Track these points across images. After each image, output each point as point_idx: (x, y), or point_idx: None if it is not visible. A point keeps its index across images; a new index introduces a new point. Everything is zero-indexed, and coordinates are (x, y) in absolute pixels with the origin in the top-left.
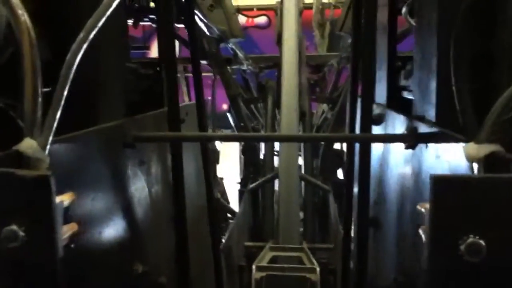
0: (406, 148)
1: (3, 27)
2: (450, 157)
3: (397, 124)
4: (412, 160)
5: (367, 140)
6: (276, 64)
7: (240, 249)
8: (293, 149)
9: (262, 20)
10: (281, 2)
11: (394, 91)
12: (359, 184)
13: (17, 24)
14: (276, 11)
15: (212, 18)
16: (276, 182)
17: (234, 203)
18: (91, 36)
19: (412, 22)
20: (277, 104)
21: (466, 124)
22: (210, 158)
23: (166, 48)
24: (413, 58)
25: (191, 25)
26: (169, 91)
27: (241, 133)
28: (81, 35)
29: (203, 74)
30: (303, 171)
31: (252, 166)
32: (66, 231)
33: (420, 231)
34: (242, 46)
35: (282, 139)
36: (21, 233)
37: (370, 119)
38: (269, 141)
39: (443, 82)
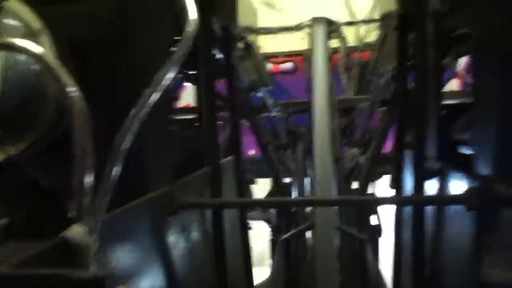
0: (469, 210)
1: (53, 106)
2: None
3: (453, 180)
4: (475, 223)
5: (420, 202)
6: (305, 109)
7: None
8: (328, 182)
9: (288, 65)
10: (310, 50)
11: (445, 143)
12: (413, 252)
13: (70, 104)
14: (305, 58)
15: (241, 69)
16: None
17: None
18: (144, 112)
19: (457, 71)
20: (308, 150)
21: None
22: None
23: (207, 109)
24: (473, 109)
25: (231, 80)
26: (210, 155)
27: (284, 198)
28: (135, 110)
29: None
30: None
31: (283, 213)
32: None
33: None
34: (271, 92)
35: (327, 203)
36: None
37: (423, 178)
38: (317, 205)
39: None
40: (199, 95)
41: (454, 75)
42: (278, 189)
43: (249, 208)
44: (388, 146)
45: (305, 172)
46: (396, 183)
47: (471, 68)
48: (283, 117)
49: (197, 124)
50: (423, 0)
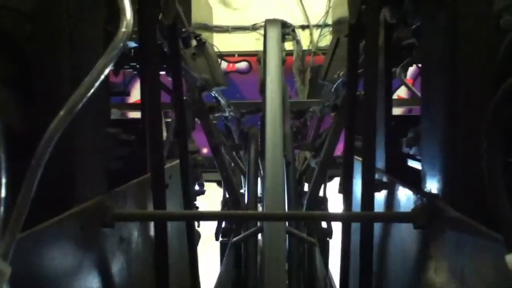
0: (416, 228)
1: None
2: (476, 254)
3: (401, 195)
4: (421, 240)
5: (368, 219)
6: (258, 110)
7: None
8: (280, 202)
9: (243, 65)
10: (264, 51)
11: (394, 156)
12: (360, 266)
13: None
14: (259, 60)
15: (194, 66)
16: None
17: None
18: (73, 114)
19: (406, 82)
20: (260, 152)
21: (503, 221)
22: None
23: (151, 108)
24: (421, 126)
25: (177, 77)
26: (153, 159)
27: (232, 212)
28: (62, 113)
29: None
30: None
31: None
32: None
33: None
34: (224, 91)
35: (276, 218)
36: None
37: (372, 193)
38: (266, 220)
39: (465, 159)
40: (143, 92)
41: (402, 83)
42: (230, 191)
43: (195, 220)
44: (340, 149)
45: (257, 173)
46: (345, 192)
47: (420, 80)
48: (235, 117)
49: (140, 124)
50: (374, 11)
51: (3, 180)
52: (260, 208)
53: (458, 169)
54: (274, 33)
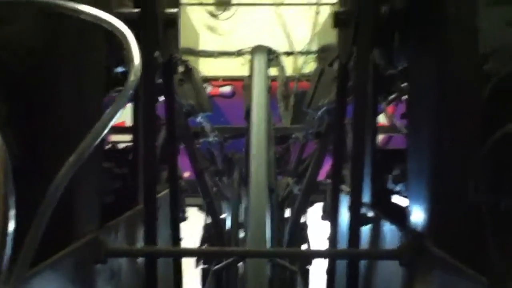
0: (402, 265)
1: None
2: None
3: (386, 231)
4: (407, 277)
5: (354, 256)
6: (242, 134)
7: None
8: (263, 237)
9: (227, 89)
10: (250, 77)
11: (379, 191)
12: None
13: None
14: (245, 86)
15: (181, 92)
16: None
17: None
18: (82, 160)
19: (395, 121)
20: (243, 178)
21: (489, 263)
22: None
23: (146, 150)
24: (408, 165)
25: (170, 107)
26: (146, 190)
27: (219, 249)
28: (71, 159)
29: None
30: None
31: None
32: None
33: None
34: (208, 115)
35: (261, 255)
36: None
37: (359, 232)
38: (251, 257)
39: (451, 200)
40: (137, 117)
41: (383, 110)
42: (212, 216)
43: (184, 257)
44: (322, 174)
45: (240, 199)
46: (331, 226)
47: (400, 107)
48: (218, 141)
49: (133, 153)
50: (365, 54)
51: (12, 214)
52: (241, 234)
53: (444, 209)
54: (260, 59)
